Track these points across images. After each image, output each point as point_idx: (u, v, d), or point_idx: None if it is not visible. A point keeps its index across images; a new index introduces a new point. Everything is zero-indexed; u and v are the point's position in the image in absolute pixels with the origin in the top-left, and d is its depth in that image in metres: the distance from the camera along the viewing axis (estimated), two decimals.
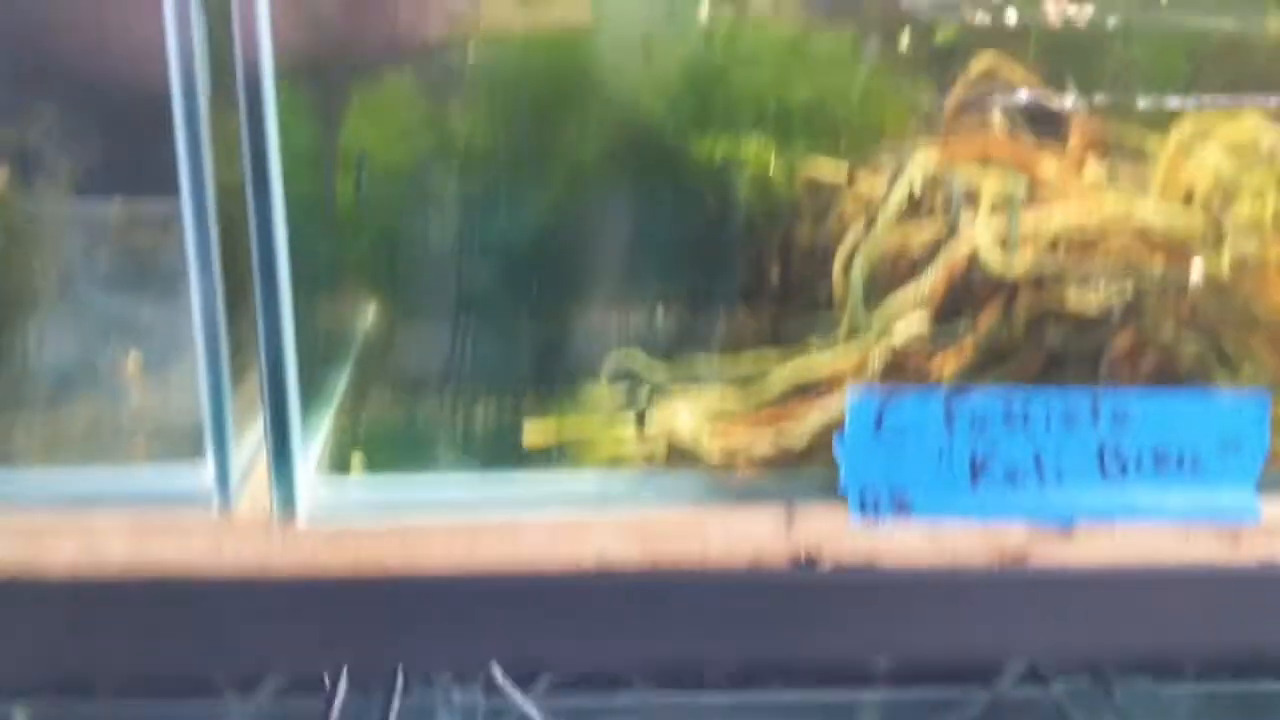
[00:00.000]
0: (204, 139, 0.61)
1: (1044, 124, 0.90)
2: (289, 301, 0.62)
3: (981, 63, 0.88)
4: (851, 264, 0.70)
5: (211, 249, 0.61)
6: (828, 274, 0.75)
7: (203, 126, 0.61)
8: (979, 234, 0.67)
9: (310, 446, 0.73)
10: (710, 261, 0.78)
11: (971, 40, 1.00)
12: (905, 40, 1.02)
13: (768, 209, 0.76)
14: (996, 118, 0.87)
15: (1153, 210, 0.70)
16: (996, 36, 0.98)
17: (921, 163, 0.70)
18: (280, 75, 0.60)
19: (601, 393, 0.76)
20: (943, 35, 1.04)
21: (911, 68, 0.97)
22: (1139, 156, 0.81)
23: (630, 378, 0.75)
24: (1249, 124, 0.82)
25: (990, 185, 0.71)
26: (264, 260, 0.60)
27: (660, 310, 0.79)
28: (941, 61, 0.99)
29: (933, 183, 0.72)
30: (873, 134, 0.81)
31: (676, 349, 0.78)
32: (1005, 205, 0.69)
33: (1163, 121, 0.88)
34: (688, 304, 0.79)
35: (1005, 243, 0.67)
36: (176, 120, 0.60)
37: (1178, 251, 0.70)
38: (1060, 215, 0.68)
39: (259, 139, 0.60)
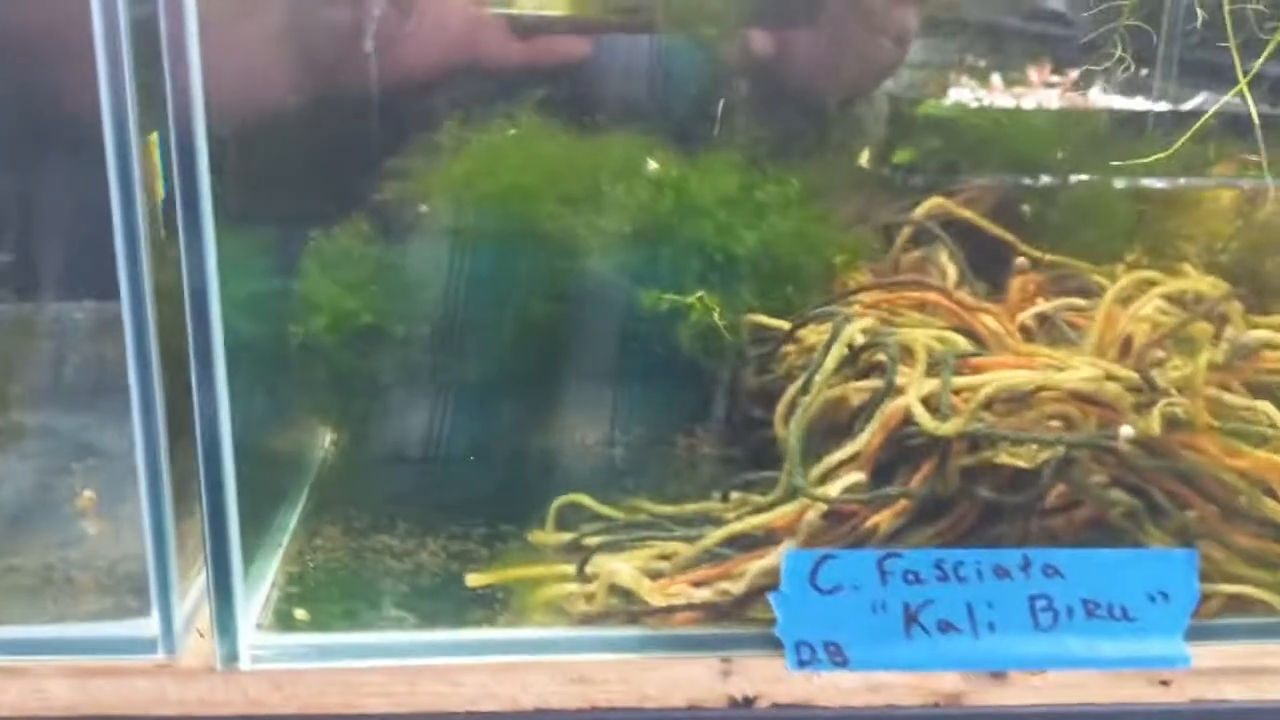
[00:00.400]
0: (147, 293, 0.63)
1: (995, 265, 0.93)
2: (231, 464, 0.63)
3: (929, 204, 0.90)
4: (791, 418, 0.71)
5: (156, 415, 0.62)
6: (770, 422, 0.77)
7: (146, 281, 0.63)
8: (912, 394, 0.69)
9: (258, 586, 0.74)
10: (657, 408, 0.79)
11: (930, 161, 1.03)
12: (865, 158, 1.06)
13: (713, 357, 0.78)
14: (944, 262, 0.90)
15: (1084, 368, 0.72)
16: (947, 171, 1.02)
17: (856, 327, 0.72)
18: (228, 221, 0.62)
19: (546, 537, 0.77)
20: (900, 156, 1.08)
21: (865, 202, 1.00)
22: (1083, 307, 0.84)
23: (575, 523, 0.76)
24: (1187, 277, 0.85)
25: (925, 344, 0.73)
26: (206, 424, 0.62)
27: (607, 456, 0.81)
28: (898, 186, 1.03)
29: (872, 337, 0.74)
30: (820, 278, 0.84)
31: (623, 495, 0.80)
32: (940, 365, 0.71)
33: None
34: (635, 450, 0.81)
35: (938, 402, 0.69)
36: (121, 286, 0.61)
37: (1108, 407, 0.72)
38: (992, 377, 0.70)
39: (199, 280, 0.62)
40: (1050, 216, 0.95)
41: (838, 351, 0.72)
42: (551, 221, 0.76)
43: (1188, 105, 1.17)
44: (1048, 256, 0.91)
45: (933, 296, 0.78)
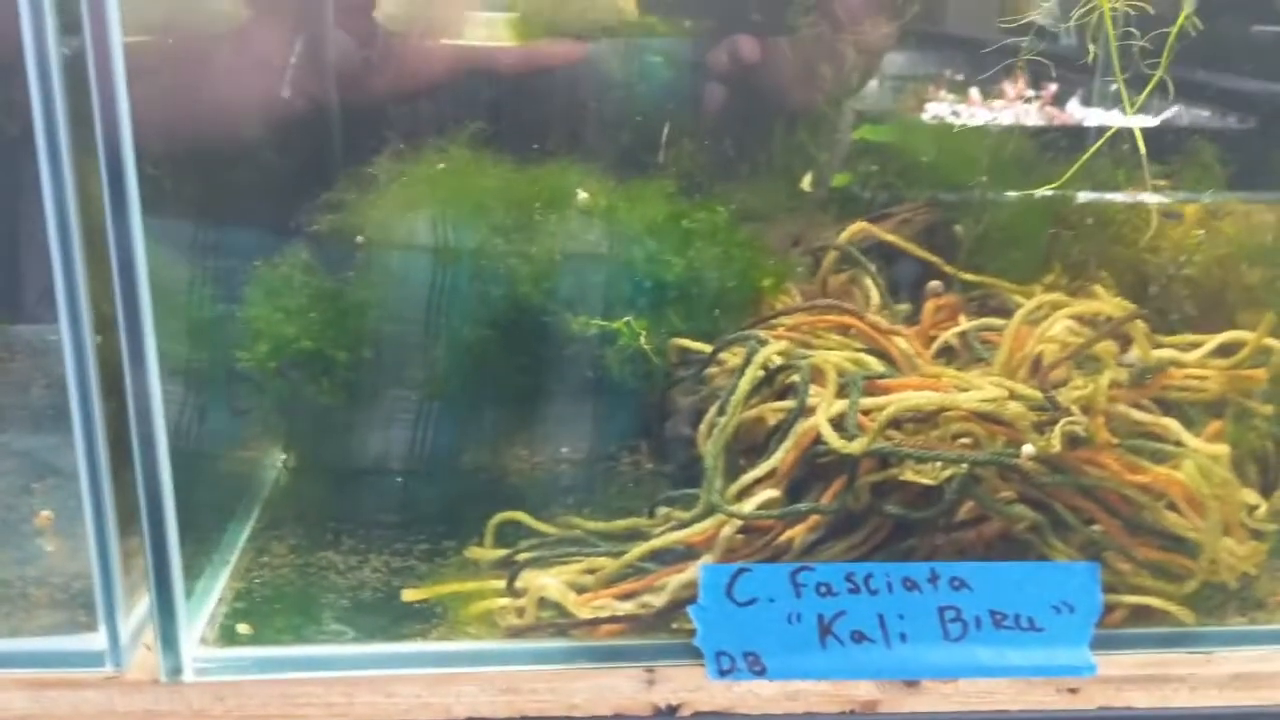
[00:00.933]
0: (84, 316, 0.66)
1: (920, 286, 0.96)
2: (169, 485, 0.66)
3: (853, 229, 0.94)
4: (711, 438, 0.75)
5: (96, 436, 0.66)
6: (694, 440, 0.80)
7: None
8: (821, 414, 0.72)
9: (205, 601, 0.78)
10: (594, 428, 0.83)
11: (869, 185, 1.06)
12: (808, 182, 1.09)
13: (641, 379, 0.81)
14: (868, 285, 0.93)
15: (988, 389, 0.75)
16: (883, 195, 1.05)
17: (770, 350, 0.75)
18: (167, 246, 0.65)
19: (482, 553, 0.80)
20: (839, 180, 1.11)
21: (805, 224, 1.03)
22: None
23: (514, 539, 0.79)
24: (1096, 298, 0.88)
25: (836, 366, 0.76)
26: (144, 445, 0.65)
27: (546, 474, 0.84)
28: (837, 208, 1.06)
29: (787, 360, 0.77)
30: (746, 302, 0.87)
31: (559, 511, 0.83)
32: (850, 386, 0.74)
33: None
34: (572, 468, 0.84)
35: (847, 423, 0.72)
36: (60, 309, 0.65)
37: (1009, 426, 0.75)
38: (896, 398, 0.73)
39: (132, 301, 0.65)
40: (981, 236, 0.98)
41: (750, 375, 0.75)
42: (484, 251, 0.80)
43: (1153, 120, 1.21)
44: (971, 276, 0.94)
45: (845, 319, 0.81)
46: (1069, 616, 0.74)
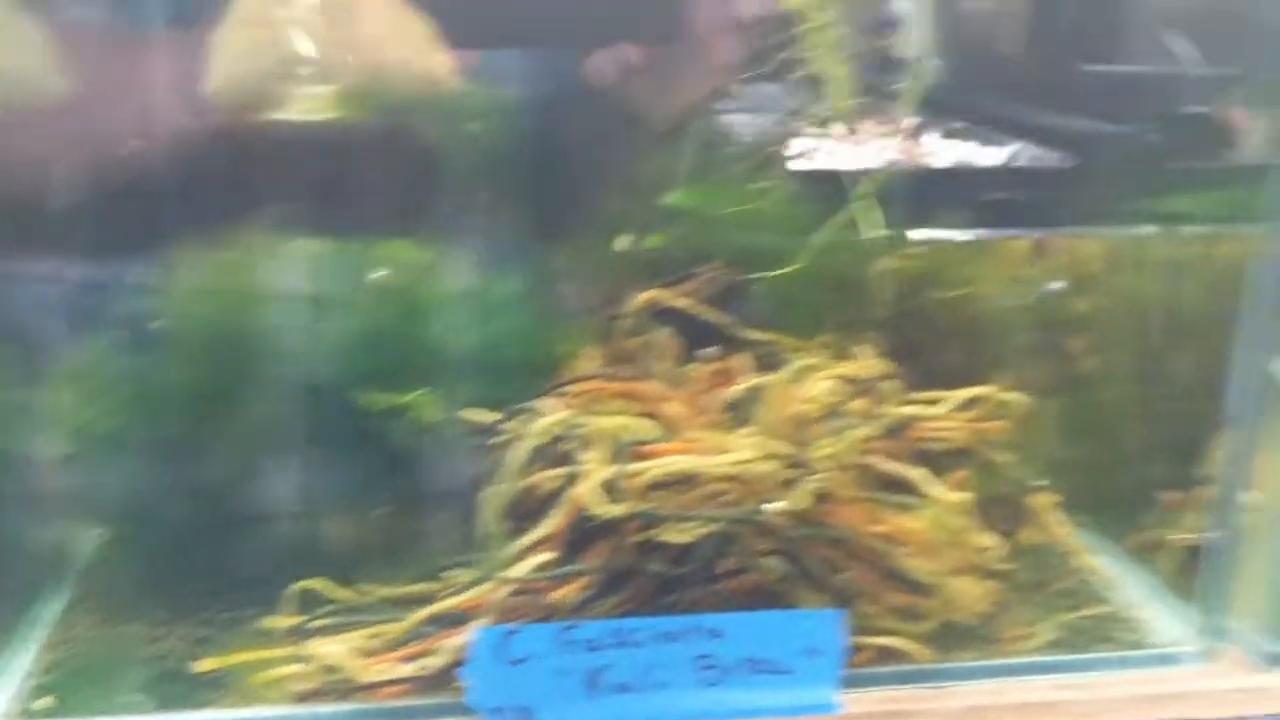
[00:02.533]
0: None
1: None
2: None
3: (644, 297, 1.00)
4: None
5: None
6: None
7: None
8: (586, 481, 0.78)
9: (10, 677, 0.82)
10: (388, 496, 0.88)
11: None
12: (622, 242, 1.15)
13: (435, 451, 0.86)
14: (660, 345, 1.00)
15: (745, 450, 0.82)
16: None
17: (547, 422, 0.81)
18: None
19: (278, 621, 0.85)
20: (650, 242, 1.17)
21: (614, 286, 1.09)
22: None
23: (304, 607, 0.84)
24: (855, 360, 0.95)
25: (608, 432, 0.82)
26: None
27: (347, 541, 0.89)
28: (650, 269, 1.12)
29: (565, 429, 0.83)
30: (542, 371, 0.93)
31: (356, 577, 0.88)
32: (617, 452, 0.80)
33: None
34: (367, 536, 0.89)
35: (612, 487, 0.78)
36: None
37: (768, 485, 0.82)
38: (655, 463, 0.79)
39: None
40: (772, 294, 1.05)
41: (526, 446, 0.81)
42: (276, 330, 0.85)
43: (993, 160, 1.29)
44: (758, 335, 1.01)
45: (618, 387, 0.88)
46: (817, 660, 0.80)
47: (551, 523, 0.81)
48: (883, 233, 0.92)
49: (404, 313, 0.90)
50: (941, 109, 1.38)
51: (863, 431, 0.86)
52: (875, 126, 1.39)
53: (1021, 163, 1.36)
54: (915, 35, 1.32)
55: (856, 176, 0.95)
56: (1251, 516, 0.87)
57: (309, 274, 0.90)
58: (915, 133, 1.38)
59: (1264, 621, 0.85)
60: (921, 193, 1.26)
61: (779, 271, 0.95)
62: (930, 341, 0.98)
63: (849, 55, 0.90)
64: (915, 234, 1.07)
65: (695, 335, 1.04)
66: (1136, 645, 0.88)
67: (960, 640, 0.86)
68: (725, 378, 0.95)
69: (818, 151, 1.31)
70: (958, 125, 1.39)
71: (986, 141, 1.36)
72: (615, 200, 1.13)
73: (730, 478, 0.81)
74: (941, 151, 1.38)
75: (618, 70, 1.10)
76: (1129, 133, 1.28)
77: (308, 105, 1.07)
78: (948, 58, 1.34)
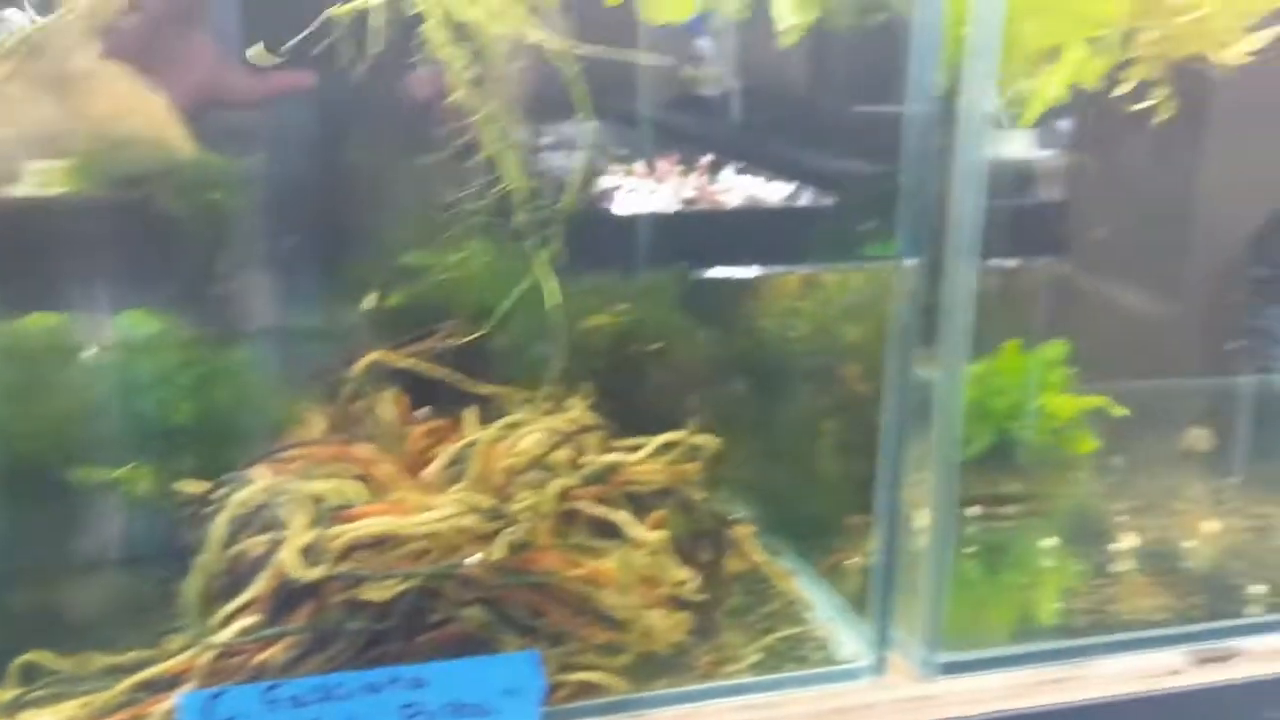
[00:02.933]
0: None
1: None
2: None
3: (367, 359, 1.05)
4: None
5: None
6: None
7: None
8: (289, 545, 0.83)
9: None
10: (115, 568, 0.91)
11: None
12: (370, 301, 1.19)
13: (151, 521, 0.90)
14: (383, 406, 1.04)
15: (447, 507, 0.87)
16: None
17: (253, 489, 0.86)
18: None
19: (4, 695, 0.87)
20: (395, 299, 1.21)
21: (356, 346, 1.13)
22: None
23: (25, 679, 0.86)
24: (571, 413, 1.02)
25: (313, 496, 0.87)
26: None
27: (75, 611, 0.92)
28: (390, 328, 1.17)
29: (269, 497, 0.87)
30: (259, 438, 0.97)
31: (81, 647, 0.90)
32: (318, 516, 0.85)
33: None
34: (97, 604, 0.92)
35: (312, 550, 0.83)
36: None
37: (469, 538, 0.87)
38: (356, 525, 0.84)
39: None
40: (500, 351, 1.11)
41: (227, 516, 0.85)
42: None
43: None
44: (487, 389, 1.07)
45: (331, 450, 0.92)
46: (518, 699, 0.86)
47: (257, 587, 0.85)
48: (558, 302, 0.99)
49: (121, 386, 0.93)
50: (729, 150, 1.47)
51: (561, 482, 0.92)
52: (670, 166, 1.46)
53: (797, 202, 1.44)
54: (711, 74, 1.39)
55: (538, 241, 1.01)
56: (916, 535, 0.96)
57: (20, 352, 0.93)
58: (711, 170, 1.46)
59: (925, 635, 0.94)
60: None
61: (477, 333, 1.00)
62: (637, 390, 1.05)
63: (515, 142, 0.96)
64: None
65: (429, 394, 1.09)
66: (825, 662, 0.97)
67: (661, 670, 0.93)
68: (443, 436, 1.00)
69: (619, 190, 1.39)
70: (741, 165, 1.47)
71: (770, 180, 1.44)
72: (358, 261, 1.18)
73: (429, 535, 0.86)
74: (734, 190, 1.45)
75: None
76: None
77: (40, 179, 1.09)
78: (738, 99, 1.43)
